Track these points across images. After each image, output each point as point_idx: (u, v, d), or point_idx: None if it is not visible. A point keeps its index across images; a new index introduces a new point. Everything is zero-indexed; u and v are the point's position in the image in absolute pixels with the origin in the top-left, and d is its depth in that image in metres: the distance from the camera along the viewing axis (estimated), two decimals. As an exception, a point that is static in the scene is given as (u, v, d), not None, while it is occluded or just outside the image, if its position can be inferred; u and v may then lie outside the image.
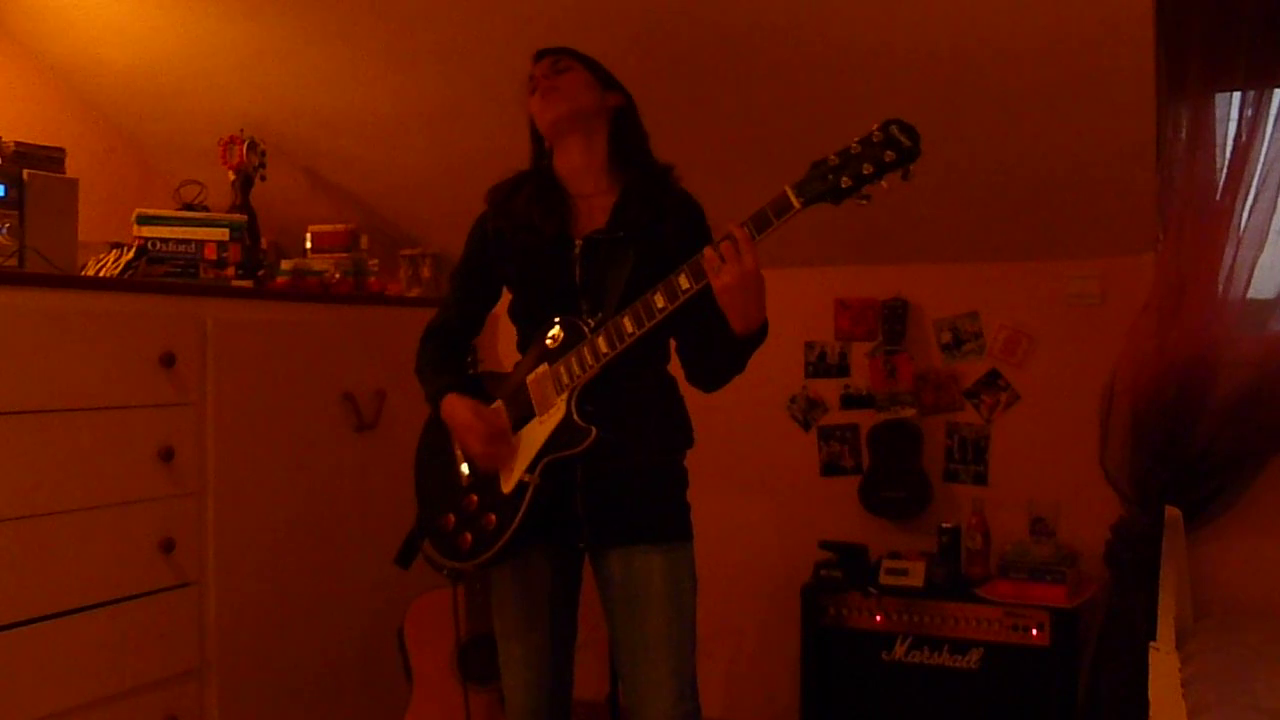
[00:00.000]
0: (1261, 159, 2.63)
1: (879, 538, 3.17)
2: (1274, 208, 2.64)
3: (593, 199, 2.07)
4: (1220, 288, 2.69)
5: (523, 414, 2.00)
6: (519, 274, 2.11)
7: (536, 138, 2.16)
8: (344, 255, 3.17)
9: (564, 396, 1.94)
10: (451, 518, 2.07)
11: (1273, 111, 2.62)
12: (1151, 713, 1.75)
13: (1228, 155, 2.66)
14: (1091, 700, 2.84)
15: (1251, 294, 2.70)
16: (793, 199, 1.76)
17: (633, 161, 2.09)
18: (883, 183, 1.73)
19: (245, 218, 2.94)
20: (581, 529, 2.02)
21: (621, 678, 2.08)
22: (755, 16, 2.44)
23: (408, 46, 2.78)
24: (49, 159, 2.57)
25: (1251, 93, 2.62)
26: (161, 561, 2.49)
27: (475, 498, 2.05)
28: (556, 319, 1.99)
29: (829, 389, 3.33)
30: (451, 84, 2.87)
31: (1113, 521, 2.88)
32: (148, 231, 2.77)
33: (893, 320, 3.17)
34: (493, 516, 2.00)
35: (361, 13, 2.67)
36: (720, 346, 1.92)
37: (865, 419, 3.26)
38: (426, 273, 3.54)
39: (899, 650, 2.92)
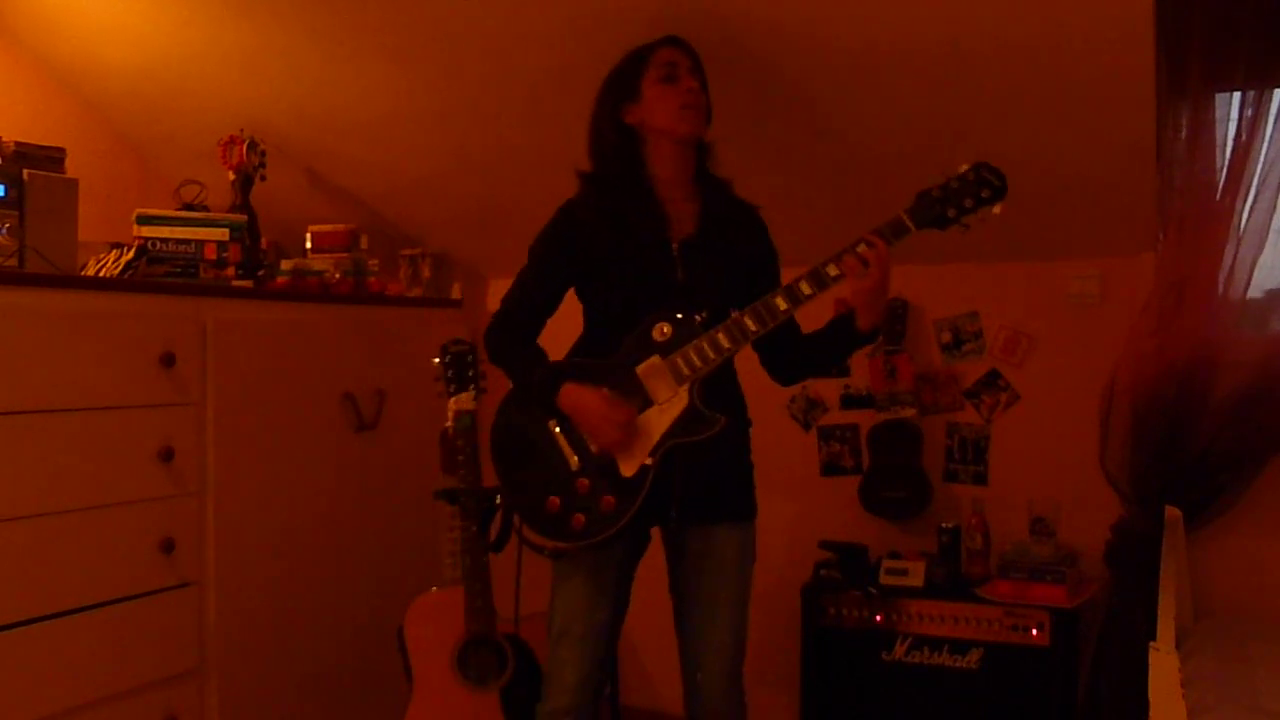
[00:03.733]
0: (1261, 159, 2.62)
1: (879, 538, 3.17)
2: (1274, 208, 2.64)
3: (677, 205, 2.22)
4: (1220, 288, 2.69)
5: (639, 404, 2.12)
6: (617, 269, 2.19)
7: (622, 127, 2.23)
8: (344, 255, 3.17)
9: (685, 387, 2.10)
10: (556, 500, 2.16)
11: (1273, 111, 2.62)
12: (1151, 713, 1.75)
13: (1228, 155, 2.66)
14: (1091, 700, 2.84)
15: (1251, 294, 2.70)
16: (908, 223, 2.07)
17: (706, 176, 2.28)
18: (979, 214, 2.07)
19: (245, 218, 2.94)
20: (672, 508, 2.18)
21: (683, 638, 2.29)
22: (754, 14, 2.44)
23: (408, 46, 2.78)
24: (49, 159, 2.57)
25: (1251, 93, 2.62)
26: (161, 561, 2.49)
27: (587, 481, 2.15)
28: (662, 315, 2.12)
29: (829, 389, 3.33)
30: (451, 84, 2.87)
31: (1113, 521, 2.87)
32: (148, 231, 2.77)
33: (893, 320, 3.17)
34: (611, 499, 2.13)
35: (361, 13, 2.67)
36: (835, 345, 2.22)
37: (865, 419, 3.26)
38: (426, 273, 3.54)
39: (899, 650, 2.92)
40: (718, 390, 2.16)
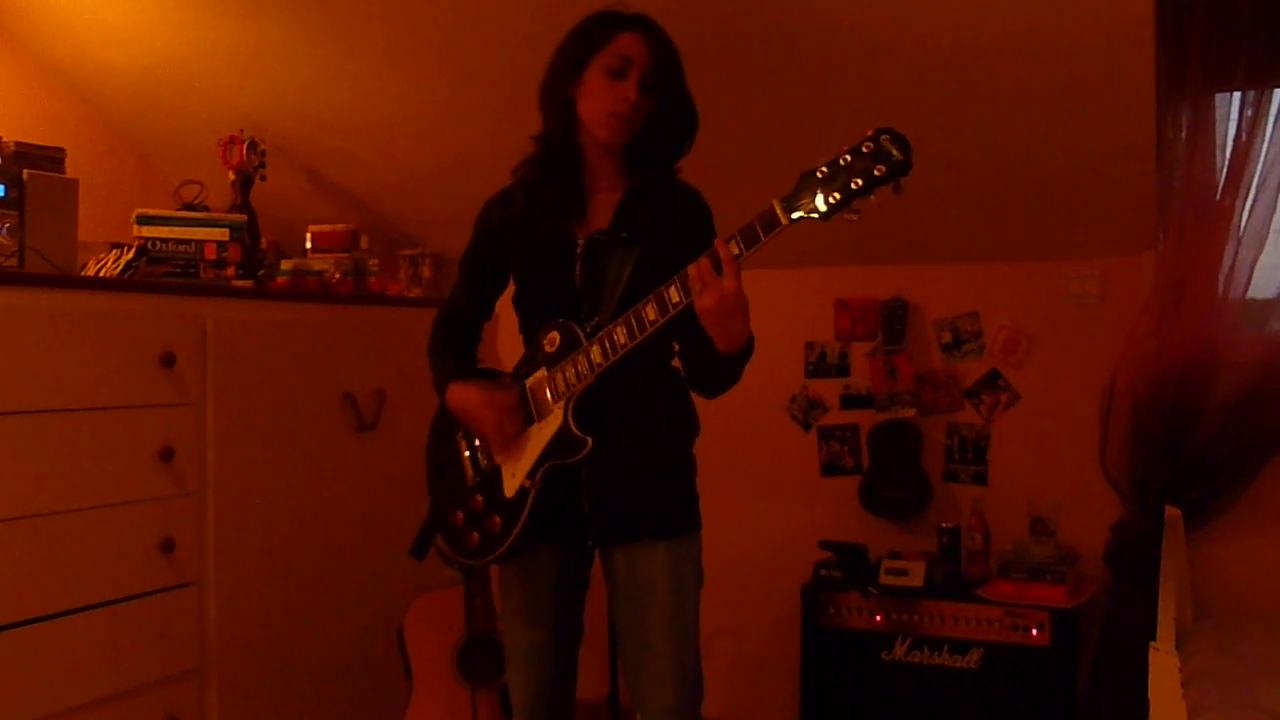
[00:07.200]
0: (1261, 159, 2.62)
1: (879, 538, 3.17)
2: (1274, 208, 2.64)
3: (600, 196, 2.02)
4: (1220, 288, 2.69)
5: (524, 417, 2.00)
6: (522, 267, 2.09)
7: (566, 101, 1.98)
8: (344, 255, 3.17)
9: (561, 404, 1.93)
10: (460, 515, 2.09)
11: (1273, 111, 2.62)
12: (1151, 713, 1.75)
13: (1228, 155, 2.66)
14: (1091, 700, 2.84)
15: (1251, 294, 2.70)
16: (780, 215, 1.71)
17: (642, 161, 2.01)
18: (872, 198, 1.67)
19: (245, 218, 2.94)
20: (589, 527, 2.03)
21: (624, 671, 2.09)
22: (755, 12, 2.44)
23: (408, 46, 2.78)
24: (49, 159, 2.57)
25: (1251, 93, 2.62)
26: (161, 561, 2.49)
27: (481, 498, 2.05)
28: (554, 322, 1.96)
29: (829, 389, 3.33)
30: (451, 84, 2.87)
31: (1113, 521, 2.88)
32: (148, 231, 2.77)
33: (893, 320, 3.17)
34: (498, 519, 2.01)
35: (361, 13, 2.67)
36: (709, 360, 1.87)
37: (865, 419, 3.26)
38: (426, 273, 3.54)
39: (899, 650, 2.92)
40: (636, 400, 1.98)
